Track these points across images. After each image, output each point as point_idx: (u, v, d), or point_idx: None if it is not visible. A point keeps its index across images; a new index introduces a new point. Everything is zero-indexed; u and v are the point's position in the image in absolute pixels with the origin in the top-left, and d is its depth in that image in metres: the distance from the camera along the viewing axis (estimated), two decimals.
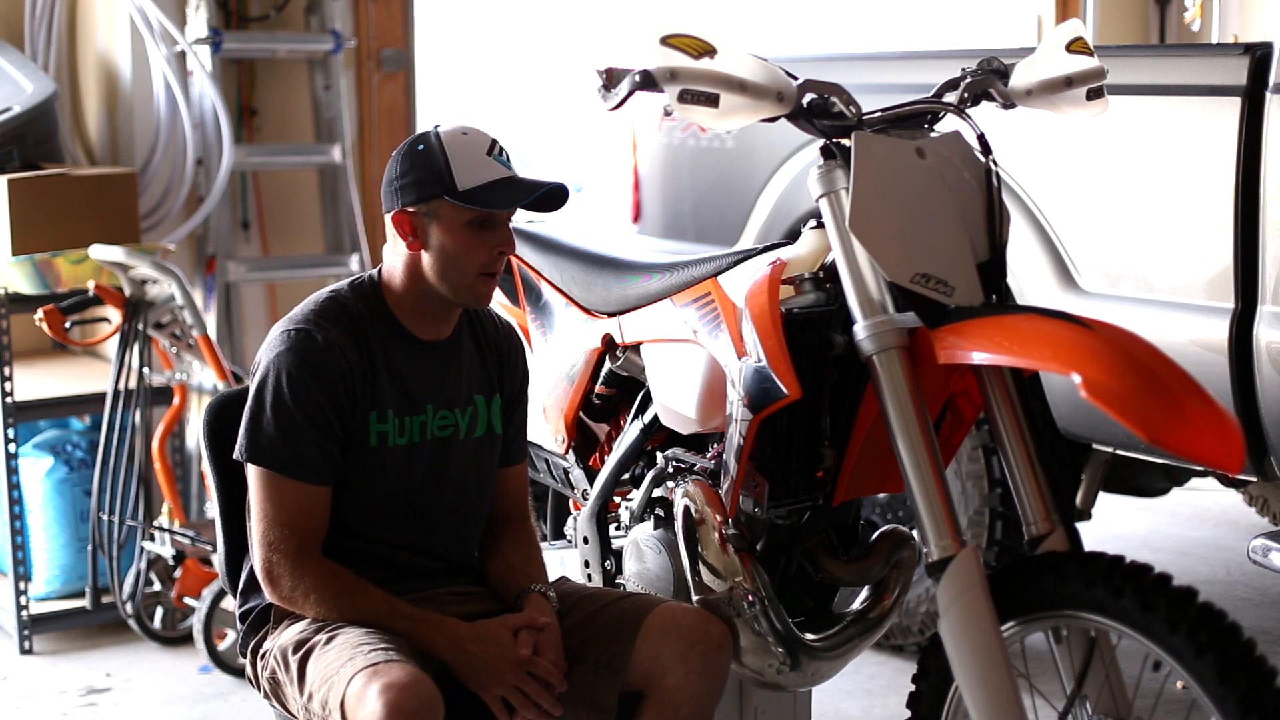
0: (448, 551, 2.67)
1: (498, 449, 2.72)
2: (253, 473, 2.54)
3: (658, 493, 2.86)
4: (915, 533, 2.47)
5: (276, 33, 5.27)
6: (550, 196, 2.54)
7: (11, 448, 4.46)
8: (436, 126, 2.54)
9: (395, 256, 2.59)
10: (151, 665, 4.35)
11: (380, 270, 2.63)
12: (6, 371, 4.39)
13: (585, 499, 3.06)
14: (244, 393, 2.63)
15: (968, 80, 2.58)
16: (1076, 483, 3.94)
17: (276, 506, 2.51)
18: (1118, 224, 3.62)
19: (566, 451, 3.12)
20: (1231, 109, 3.35)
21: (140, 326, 4.35)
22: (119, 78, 5.06)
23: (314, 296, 2.61)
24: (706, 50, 2.35)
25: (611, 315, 3.00)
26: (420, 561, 2.64)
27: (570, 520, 3.13)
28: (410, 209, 2.53)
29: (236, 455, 2.54)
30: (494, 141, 2.54)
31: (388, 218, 2.56)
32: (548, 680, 2.50)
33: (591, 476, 3.07)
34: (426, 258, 2.54)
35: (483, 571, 2.72)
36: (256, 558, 2.54)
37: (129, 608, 4.40)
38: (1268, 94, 3.30)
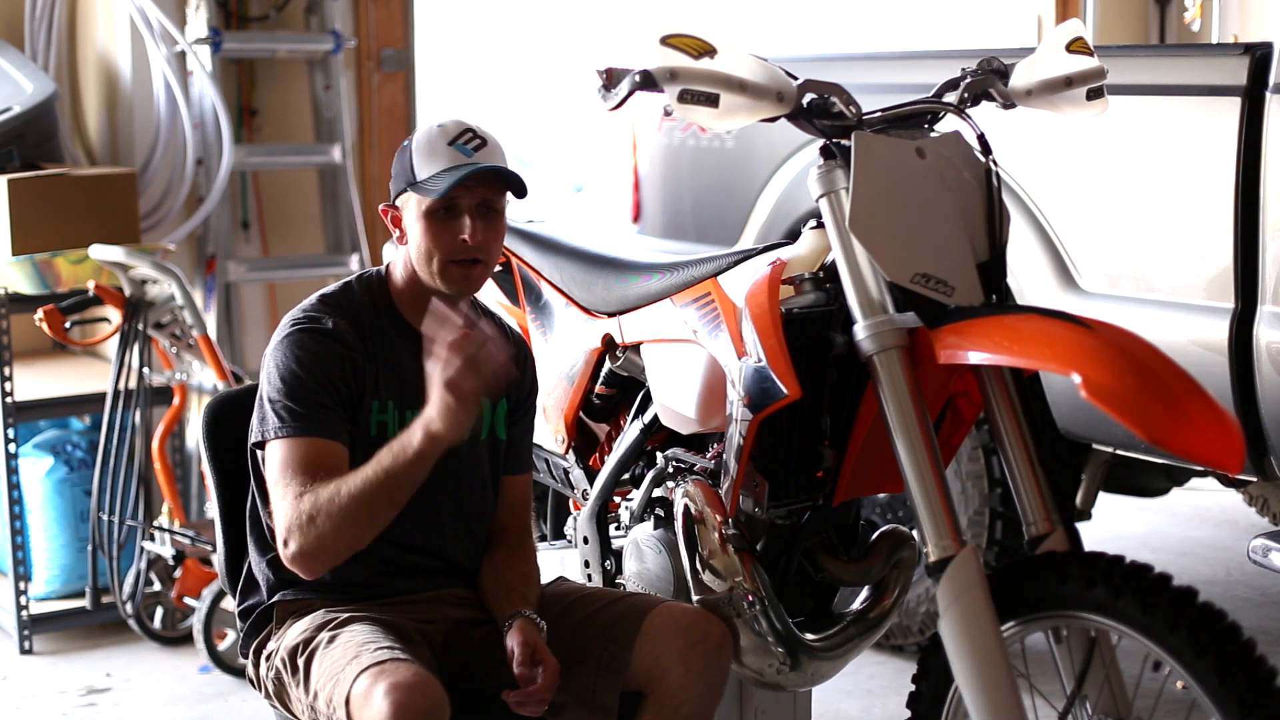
0: (449, 552, 2.66)
1: (502, 455, 2.72)
2: (271, 451, 2.48)
3: (658, 493, 2.86)
4: (915, 533, 2.47)
5: (276, 33, 5.27)
6: (500, 179, 2.54)
7: (11, 448, 4.46)
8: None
9: (396, 251, 2.64)
10: (151, 665, 4.35)
11: (387, 266, 2.66)
12: (6, 371, 4.39)
13: (585, 499, 3.06)
14: (244, 392, 2.63)
15: (968, 80, 2.58)
16: (1076, 483, 3.94)
17: (297, 469, 2.43)
18: (1118, 224, 3.62)
19: (566, 451, 3.12)
20: (1231, 109, 3.35)
21: (140, 326, 4.35)
22: (119, 78, 5.06)
23: (322, 289, 2.65)
24: (706, 50, 2.35)
25: (611, 315, 3.00)
26: (421, 560, 2.63)
27: (570, 520, 3.13)
28: (394, 204, 2.61)
29: (254, 440, 2.53)
30: (465, 131, 2.54)
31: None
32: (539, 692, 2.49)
33: (591, 476, 3.07)
34: (409, 249, 2.58)
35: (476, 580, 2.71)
36: (280, 533, 2.42)
37: (129, 608, 4.40)
38: (1268, 94, 3.30)
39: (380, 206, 2.64)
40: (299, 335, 2.53)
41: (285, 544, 2.44)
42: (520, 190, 2.57)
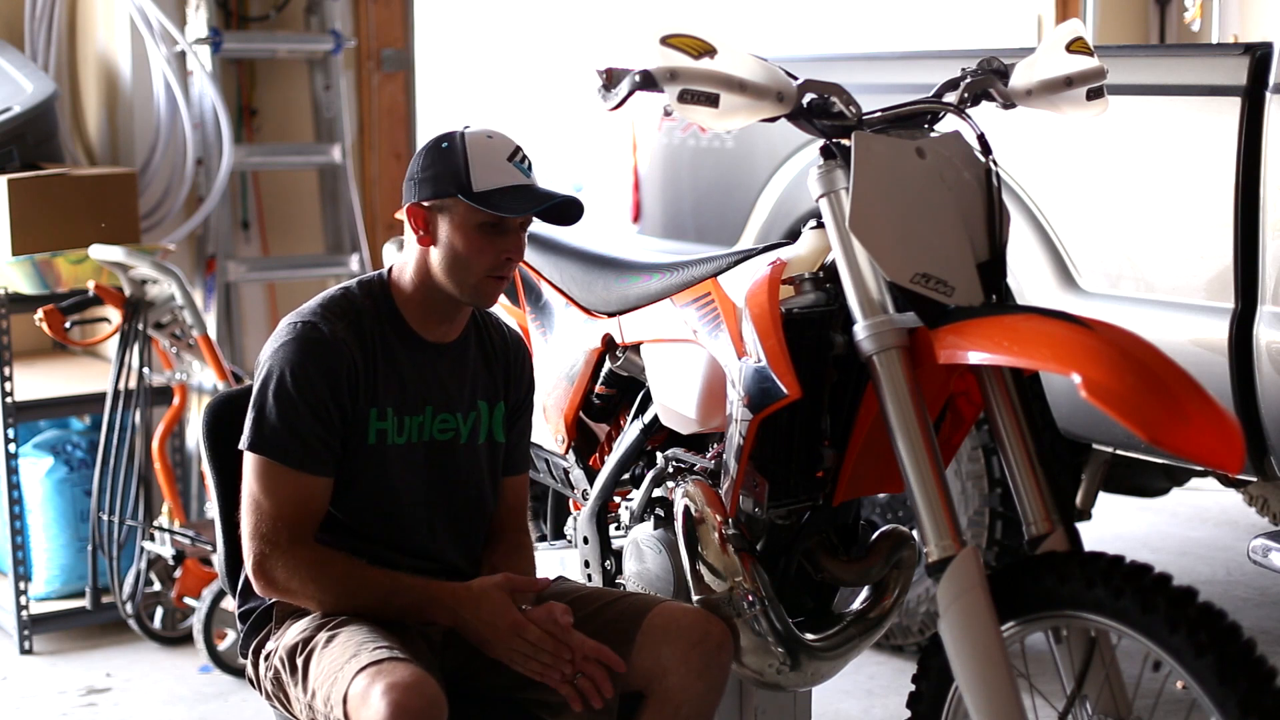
0: (446, 554, 2.67)
1: (500, 458, 2.72)
2: (252, 462, 2.53)
3: (658, 493, 2.86)
4: (915, 533, 2.47)
5: (276, 33, 5.27)
6: (565, 208, 2.54)
7: (11, 448, 4.46)
8: (465, 127, 2.56)
9: (407, 254, 2.61)
10: (151, 665, 4.35)
11: (390, 269, 2.65)
12: (6, 371, 4.39)
13: (585, 499, 3.06)
14: (244, 392, 2.63)
15: (968, 80, 2.58)
16: (1076, 483, 3.94)
17: (272, 498, 2.50)
18: (1118, 224, 3.62)
19: (566, 451, 3.12)
20: (1231, 109, 3.35)
21: (140, 326, 4.35)
22: (119, 78, 5.06)
23: (323, 293, 2.64)
24: (706, 50, 2.35)
25: (611, 315, 3.00)
26: (419, 563, 2.63)
27: (570, 520, 3.13)
28: (425, 203, 2.55)
29: (241, 445, 2.54)
30: (518, 149, 2.54)
31: (403, 210, 2.59)
32: (599, 658, 2.48)
33: (591, 476, 3.07)
34: (435, 254, 2.55)
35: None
36: (247, 551, 2.52)
37: (129, 608, 4.40)
38: (1268, 94, 3.30)
39: (407, 204, 2.57)
40: (297, 347, 2.52)
41: (256, 567, 2.52)
42: (577, 217, 2.57)
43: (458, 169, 2.50)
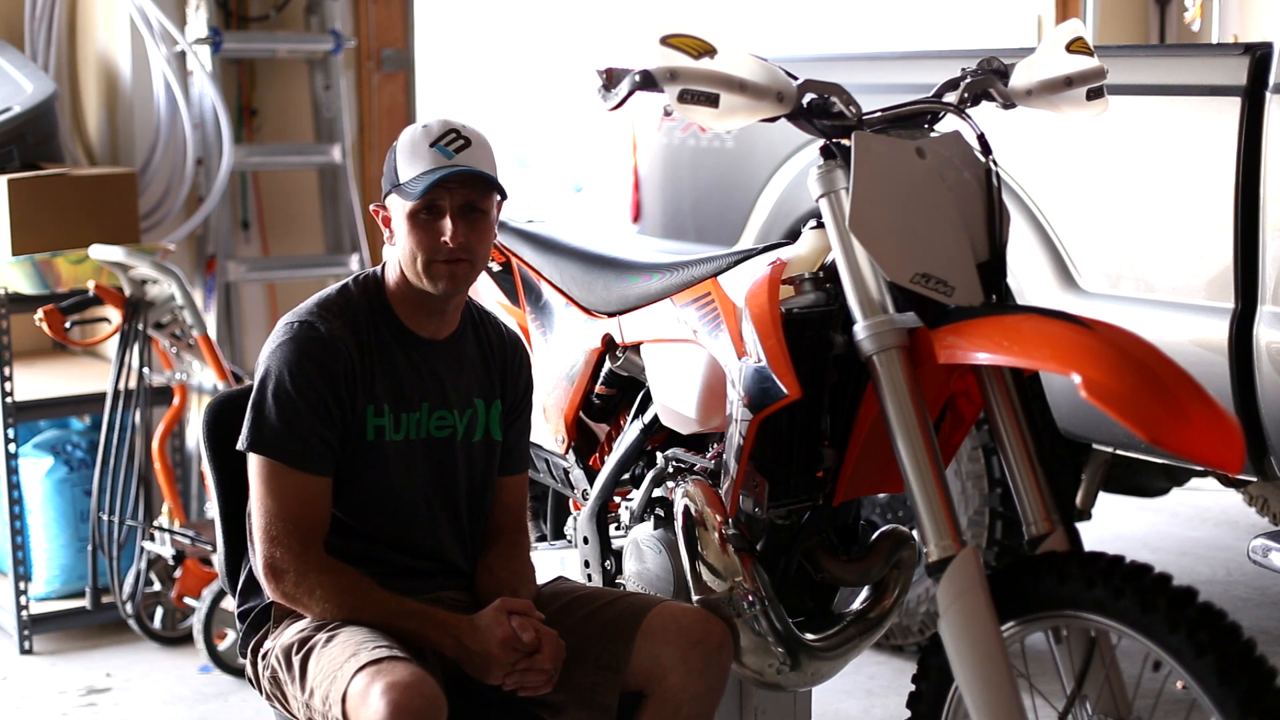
0: (447, 554, 2.67)
1: (497, 456, 2.73)
2: (255, 464, 2.54)
3: (658, 493, 2.86)
4: (915, 533, 2.47)
5: (276, 33, 5.27)
6: (481, 181, 2.53)
7: (11, 448, 4.46)
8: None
9: (390, 252, 2.64)
10: (151, 665, 4.35)
11: (383, 266, 2.66)
12: (6, 371, 4.39)
13: (585, 499, 3.06)
14: (244, 392, 2.64)
15: (968, 80, 2.58)
16: (1076, 483, 3.94)
17: (278, 499, 2.51)
18: (1118, 224, 3.62)
19: (566, 451, 3.12)
20: (1231, 109, 3.35)
21: (140, 326, 4.35)
22: (119, 78, 5.06)
23: (319, 292, 2.66)
24: (706, 50, 2.35)
25: (611, 315, 3.00)
26: (416, 563, 2.64)
27: (570, 520, 3.13)
28: (383, 204, 2.62)
29: (240, 446, 2.55)
30: (449, 132, 2.54)
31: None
32: (541, 662, 2.49)
33: (591, 476, 3.07)
34: (398, 250, 2.58)
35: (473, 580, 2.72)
36: (258, 554, 2.53)
37: (129, 608, 4.40)
38: (1268, 94, 3.30)
39: (371, 207, 2.64)
40: (295, 346, 2.53)
41: (268, 569, 2.52)
42: (499, 191, 2.57)
43: (392, 165, 2.57)
